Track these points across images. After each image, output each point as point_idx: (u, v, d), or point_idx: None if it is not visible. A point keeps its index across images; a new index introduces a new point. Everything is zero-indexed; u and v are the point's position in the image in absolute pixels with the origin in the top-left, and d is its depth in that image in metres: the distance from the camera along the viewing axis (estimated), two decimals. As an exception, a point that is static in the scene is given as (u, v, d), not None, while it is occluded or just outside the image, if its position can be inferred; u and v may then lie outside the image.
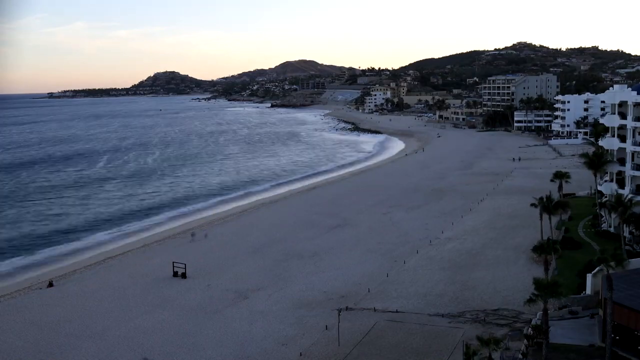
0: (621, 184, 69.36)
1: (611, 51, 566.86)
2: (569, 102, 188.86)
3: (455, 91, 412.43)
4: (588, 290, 46.40)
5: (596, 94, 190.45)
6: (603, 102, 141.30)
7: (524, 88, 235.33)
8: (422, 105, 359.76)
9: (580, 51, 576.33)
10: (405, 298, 55.37)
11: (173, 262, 67.14)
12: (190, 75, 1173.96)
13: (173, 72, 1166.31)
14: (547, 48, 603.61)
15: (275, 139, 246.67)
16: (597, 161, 71.68)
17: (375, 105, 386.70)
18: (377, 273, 63.30)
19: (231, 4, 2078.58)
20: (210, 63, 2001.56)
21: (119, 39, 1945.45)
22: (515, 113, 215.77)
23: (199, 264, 69.74)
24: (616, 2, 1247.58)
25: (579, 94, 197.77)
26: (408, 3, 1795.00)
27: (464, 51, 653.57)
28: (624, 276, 41.55)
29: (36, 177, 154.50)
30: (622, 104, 69.04)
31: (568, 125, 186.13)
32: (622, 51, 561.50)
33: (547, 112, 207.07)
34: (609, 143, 71.49)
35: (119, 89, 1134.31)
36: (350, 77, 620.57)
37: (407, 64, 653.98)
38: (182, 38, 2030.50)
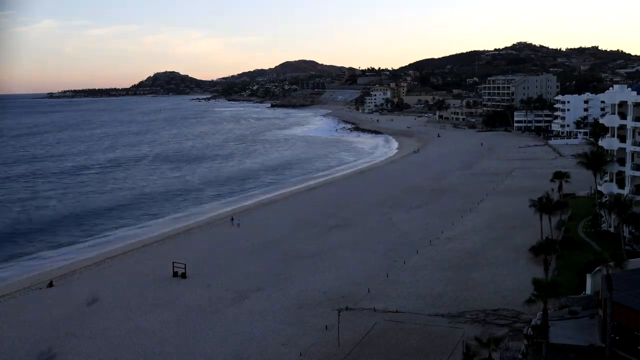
0: (621, 184, 69.39)
1: (611, 51, 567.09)
2: (568, 102, 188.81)
3: (455, 91, 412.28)
4: (588, 290, 46.43)
5: (596, 94, 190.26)
6: (603, 102, 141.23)
7: (524, 88, 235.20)
8: (422, 106, 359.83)
9: (580, 51, 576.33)
10: (405, 298, 55.37)
11: (173, 262, 67.15)
12: (190, 76, 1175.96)
13: (173, 72, 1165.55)
14: (547, 48, 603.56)
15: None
16: (595, 161, 71.75)
17: (375, 106, 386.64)
18: (377, 273, 63.29)
19: (230, 3, 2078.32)
20: (210, 63, 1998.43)
21: (98, 38, 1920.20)
22: (515, 113, 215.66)
23: (199, 264, 69.76)
24: (616, 2, 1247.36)
25: (579, 94, 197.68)
26: (408, 3, 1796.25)
27: (464, 51, 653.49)
28: (624, 276, 41.59)
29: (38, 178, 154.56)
30: (622, 104, 69.07)
31: (568, 125, 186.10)
32: (622, 51, 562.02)
33: (547, 112, 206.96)
34: (609, 143, 71.50)
35: (119, 89, 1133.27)
36: (350, 77, 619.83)
37: (407, 64, 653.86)
38: (181, 38, 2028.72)
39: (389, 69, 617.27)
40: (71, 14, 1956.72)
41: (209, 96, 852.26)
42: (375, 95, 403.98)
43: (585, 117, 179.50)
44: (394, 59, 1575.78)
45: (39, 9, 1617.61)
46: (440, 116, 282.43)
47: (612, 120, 71.28)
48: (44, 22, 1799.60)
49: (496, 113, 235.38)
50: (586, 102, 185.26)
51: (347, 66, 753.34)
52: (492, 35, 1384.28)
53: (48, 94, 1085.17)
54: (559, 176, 77.98)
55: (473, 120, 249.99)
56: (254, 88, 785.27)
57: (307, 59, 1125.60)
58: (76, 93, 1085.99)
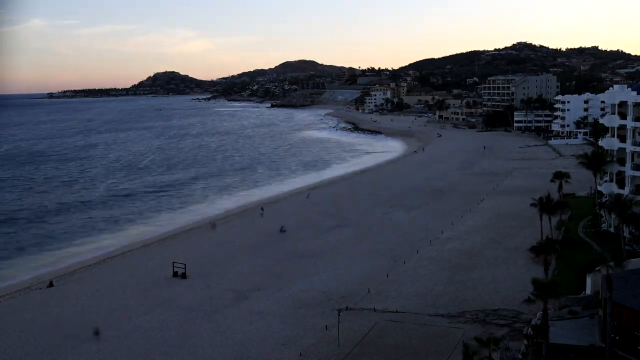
0: (621, 184, 69.40)
1: (611, 51, 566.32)
2: (568, 102, 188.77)
3: (455, 91, 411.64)
4: (588, 290, 46.45)
5: (596, 94, 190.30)
6: (603, 102, 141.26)
7: (524, 88, 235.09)
8: (422, 106, 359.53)
9: (580, 51, 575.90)
10: (405, 298, 55.38)
11: (173, 262, 67.17)
12: (190, 76, 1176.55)
13: (173, 72, 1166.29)
14: (547, 48, 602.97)
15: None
16: (595, 161, 71.76)
17: (375, 106, 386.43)
18: (377, 273, 63.30)
19: (230, 3, 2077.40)
20: (210, 63, 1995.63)
21: (91, 38, 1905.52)
22: (515, 113, 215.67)
23: (199, 264, 69.75)
24: (616, 2, 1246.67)
25: (579, 94, 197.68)
26: (408, 3, 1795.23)
27: (464, 51, 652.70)
28: (624, 276, 41.59)
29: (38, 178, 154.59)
30: (622, 104, 69.10)
31: (568, 126, 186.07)
32: (622, 51, 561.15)
33: (547, 112, 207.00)
34: (609, 143, 71.52)
35: (118, 89, 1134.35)
36: (350, 77, 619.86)
37: (407, 64, 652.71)
38: (180, 39, 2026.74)
39: (389, 69, 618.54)
40: (57, 13, 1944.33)
41: (209, 96, 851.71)
42: (375, 95, 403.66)
43: (585, 117, 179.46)
44: (394, 59, 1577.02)
45: (25, 9, 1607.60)
46: (440, 116, 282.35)
47: (612, 120, 71.30)
48: (33, 21, 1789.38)
49: (496, 113, 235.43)
50: (586, 102, 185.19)
51: (347, 66, 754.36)
52: (492, 35, 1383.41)
53: (48, 94, 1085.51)
54: (559, 176, 77.99)
55: (473, 120, 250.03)
56: (254, 88, 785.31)
57: (307, 59, 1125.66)
58: (76, 93, 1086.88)
